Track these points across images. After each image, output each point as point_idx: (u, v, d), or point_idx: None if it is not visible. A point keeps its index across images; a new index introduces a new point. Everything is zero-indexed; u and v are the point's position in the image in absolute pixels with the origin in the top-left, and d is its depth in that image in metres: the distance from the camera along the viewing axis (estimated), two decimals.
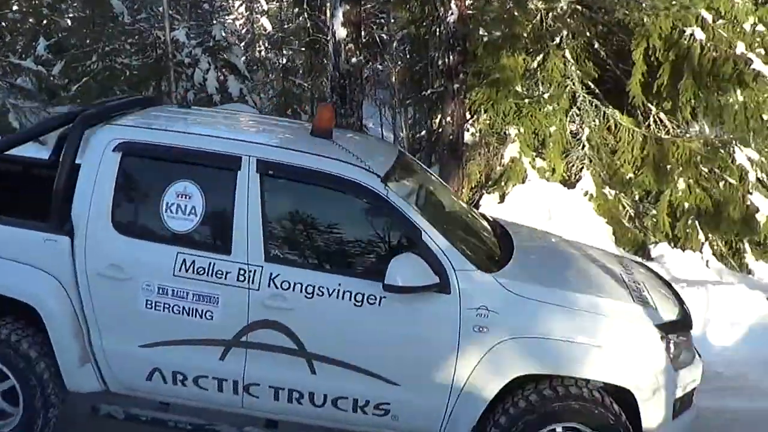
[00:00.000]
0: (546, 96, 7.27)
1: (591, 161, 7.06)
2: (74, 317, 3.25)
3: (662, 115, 7.07)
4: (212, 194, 3.23)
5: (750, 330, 6.31)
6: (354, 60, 6.23)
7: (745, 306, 6.36)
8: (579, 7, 7.43)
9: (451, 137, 7.17)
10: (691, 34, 6.58)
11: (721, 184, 6.91)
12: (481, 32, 7.51)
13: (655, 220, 6.85)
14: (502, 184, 7.16)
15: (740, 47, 6.41)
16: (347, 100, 6.20)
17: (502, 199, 7.05)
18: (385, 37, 11.99)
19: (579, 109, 7.28)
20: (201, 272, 3.18)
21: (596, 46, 7.44)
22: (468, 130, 7.61)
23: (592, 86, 7.30)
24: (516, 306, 3.14)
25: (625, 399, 3.19)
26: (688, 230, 6.78)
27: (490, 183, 7.32)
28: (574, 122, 7.30)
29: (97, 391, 3.38)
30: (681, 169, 6.77)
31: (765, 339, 6.30)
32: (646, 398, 3.18)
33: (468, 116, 7.64)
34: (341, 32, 6.16)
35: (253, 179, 3.20)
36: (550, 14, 7.49)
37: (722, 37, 6.58)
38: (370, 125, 11.45)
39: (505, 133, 7.35)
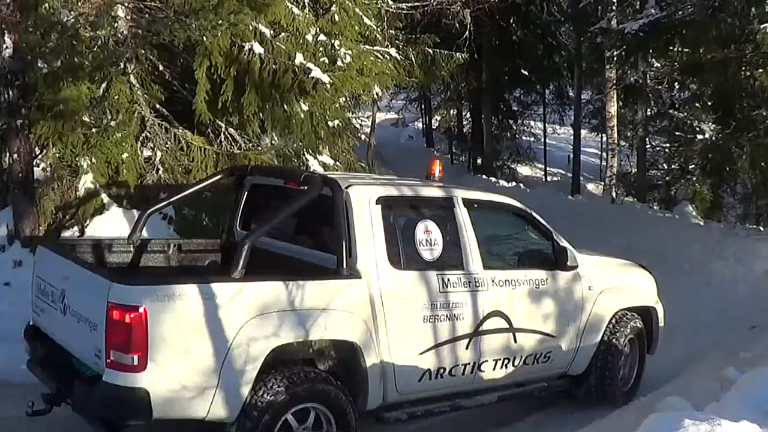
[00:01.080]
0: (114, 123, 6.94)
1: (167, 184, 6.77)
2: (375, 346, 3.91)
3: (232, 131, 7.15)
4: (443, 227, 4.38)
5: None
6: None
7: None
8: (140, 31, 7.23)
9: (20, 175, 6.59)
10: (250, 49, 6.80)
11: None
12: (39, 64, 6.90)
13: None
14: (81, 216, 6.77)
15: (299, 58, 6.81)
16: None
17: (82, 231, 6.66)
18: None
19: (150, 133, 7.01)
20: (454, 285, 4.32)
21: (161, 68, 7.27)
22: (38, 166, 7.04)
23: (161, 109, 7.09)
24: (597, 274, 5.23)
25: None
26: None
27: (68, 217, 6.87)
28: (146, 146, 6.99)
29: (379, 406, 4.07)
30: None
31: None
32: None
33: (36, 151, 7.05)
34: None
35: (464, 212, 4.48)
36: (111, 40, 7.15)
37: (281, 49, 6.95)
38: None
39: (77, 165, 6.94)
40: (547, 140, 23.18)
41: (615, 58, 15.00)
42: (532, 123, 24.04)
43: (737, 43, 10.54)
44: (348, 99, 10.19)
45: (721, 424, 2.64)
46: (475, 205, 4.57)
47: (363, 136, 12.21)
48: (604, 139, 19.71)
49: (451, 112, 25.10)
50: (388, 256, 3.98)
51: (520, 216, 4.95)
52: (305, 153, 7.38)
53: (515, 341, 4.55)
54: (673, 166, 17.07)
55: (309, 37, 8.21)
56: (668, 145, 16.98)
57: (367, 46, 9.63)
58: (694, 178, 14.89)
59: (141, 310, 3.23)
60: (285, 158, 7.19)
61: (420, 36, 12.93)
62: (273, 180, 4.67)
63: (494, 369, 4.47)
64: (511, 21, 19.61)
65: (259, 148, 7.23)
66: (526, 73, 21.63)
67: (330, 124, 7.46)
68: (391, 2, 12.11)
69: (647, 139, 17.04)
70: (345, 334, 3.80)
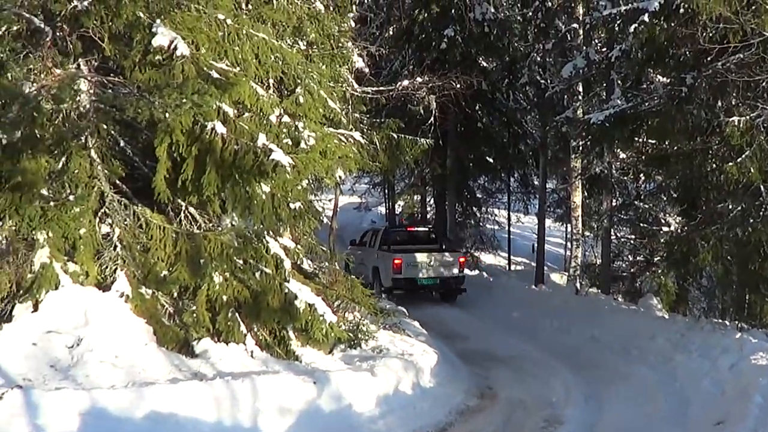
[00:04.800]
0: (72, 198, 7.01)
1: (125, 261, 6.86)
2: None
3: (192, 210, 7.27)
4: None
5: (300, 414, 6.56)
6: None
7: (293, 392, 6.65)
8: (102, 106, 7.44)
9: None
10: (213, 128, 7.01)
11: (258, 274, 7.29)
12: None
13: (195, 315, 6.82)
14: (35, 291, 6.73)
15: (262, 139, 7.04)
16: None
17: (35, 307, 6.64)
18: None
19: (109, 209, 7.10)
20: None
21: (122, 144, 7.44)
22: None
23: (121, 185, 7.22)
24: None
25: None
26: (229, 323, 6.92)
27: (21, 292, 6.84)
28: (104, 223, 7.06)
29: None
30: (215, 262, 6.94)
31: (314, 423, 6.60)
32: None
33: None
34: None
35: None
36: (72, 113, 7.33)
37: (244, 129, 7.19)
38: None
39: (33, 238, 6.94)
40: (511, 228, 23.68)
41: (580, 148, 15.68)
42: (497, 211, 24.63)
43: (703, 135, 10.75)
44: (311, 181, 10.46)
45: None
46: None
47: (325, 219, 12.42)
48: (569, 228, 20.28)
49: (415, 197, 25.66)
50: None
51: None
52: (266, 235, 7.50)
53: None
54: (638, 258, 17.60)
55: (273, 118, 8.50)
56: (633, 236, 17.57)
57: (331, 129, 10.00)
58: (659, 271, 15.32)
59: None
60: (245, 240, 7.29)
61: (385, 120, 13.48)
62: None
63: None
64: (477, 108, 20.48)
65: (219, 229, 7.33)
66: (491, 160, 22.35)
67: (292, 206, 7.62)
68: (356, 86, 12.67)
69: (612, 230, 17.59)
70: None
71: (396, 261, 15.88)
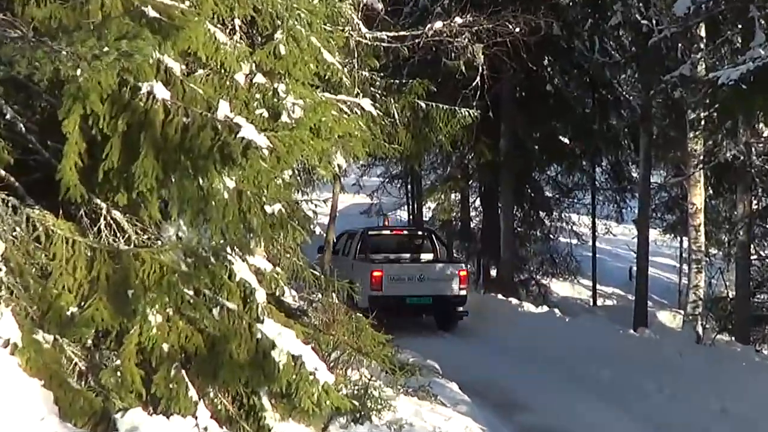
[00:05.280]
0: None
1: (12, 293, 6.77)
2: None
3: (118, 215, 7.21)
4: None
5: None
6: None
7: None
8: None
9: None
10: (149, 93, 6.91)
11: (216, 311, 7.24)
12: None
13: (119, 374, 6.76)
14: None
15: (224, 108, 6.92)
16: None
17: None
18: None
19: None
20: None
21: (9, 115, 7.35)
22: None
23: (8, 176, 7.14)
24: None
25: None
26: (171, 385, 6.86)
27: None
28: None
29: None
30: (151, 294, 6.88)
31: None
32: None
33: None
34: None
35: None
36: None
37: (197, 94, 7.11)
38: None
39: None
40: (597, 244, 23.59)
41: (702, 122, 15.49)
42: (575, 217, 24.56)
43: None
44: (297, 173, 10.38)
45: None
46: None
47: (318, 230, 12.34)
48: (685, 244, 20.12)
49: (452, 196, 25.63)
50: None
51: None
52: (230, 253, 7.42)
53: None
54: None
55: (240, 78, 8.43)
56: None
57: (327, 95, 9.94)
58: None
59: None
60: (198, 260, 7.21)
61: (407, 82, 13.39)
62: None
63: None
64: (546, 62, 20.41)
65: (159, 244, 7.25)
66: (566, 140, 22.28)
67: (268, 209, 7.50)
68: (365, 30, 12.61)
69: (752, 246, 17.40)
70: None
71: (375, 273, 16.95)
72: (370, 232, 19.87)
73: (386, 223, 21.80)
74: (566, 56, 21.13)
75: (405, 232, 21.48)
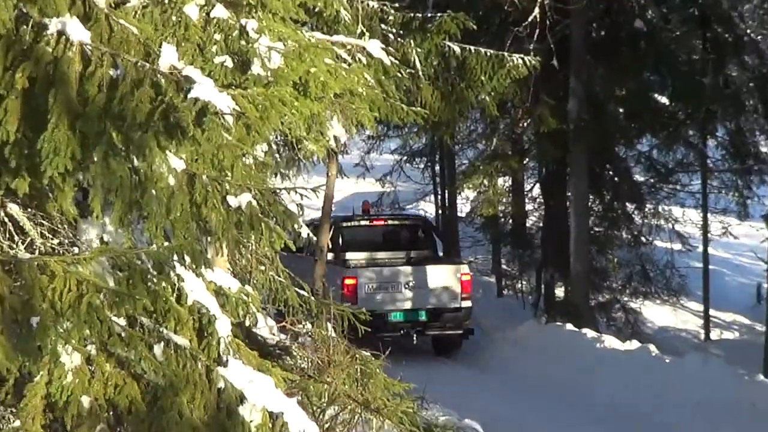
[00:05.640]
0: None
1: None
2: None
3: (16, 210, 7.45)
4: None
5: None
6: None
7: None
8: None
9: None
10: (61, 32, 6.86)
11: (159, 349, 7.33)
12: None
13: None
14: None
15: (169, 54, 6.81)
16: None
17: None
18: None
19: None
20: None
21: None
22: None
23: None
24: None
25: None
26: None
27: None
28: None
29: None
30: (66, 323, 6.94)
31: None
32: None
33: None
34: None
35: None
36: None
37: (129, 33, 7.10)
38: None
39: None
40: (710, 250, 23.51)
41: None
42: (678, 212, 24.47)
43: None
44: (275, 148, 10.37)
45: None
46: None
47: (306, 231, 12.29)
48: None
49: (500, 182, 25.58)
50: None
51: None
52: (177, 262, 7.43)
53: None
54: None
55: (192, 11, 8.40)
56: None
57: (318, 35, 9.93)
58: None
59: None
60: (133, 274, 7.22)
61: (435, 16, 13.35)
62: None
63: None
64: None
65: (75, 250, 7.28)
66: (664, 100, 22.19)
67: (232, 201, 7.53)
68: None
69: None
70: None
71: (348, 281, 17.76)
72: (343, 224, 20.60)
73: (366, 210, 21.94)
74: None
75: (391, 222, 22.00)
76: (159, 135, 6.88)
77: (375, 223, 21.45)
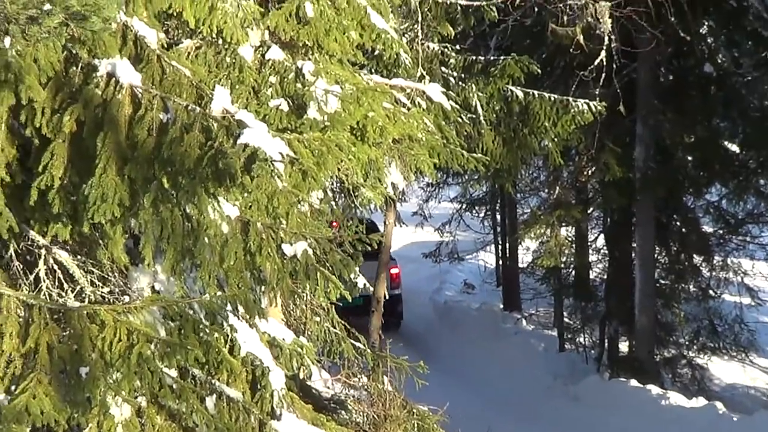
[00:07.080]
0: None
1: None
2: None
3: (63, 255, 7.34)
4: None
5: None
6: None
7: None
8: None
9: None
10: (111, 74, 6.95)
11: (212, 401, 7.41)
12: None
13: None
14: None
15: (221, 97, 6.87)
16: None
17: None
18: None
19: None
20: None
21: None
22: None
23: None
24: None
25: None
26: None
27: None
28: None
29: None
30: (116, 374, 7.00)
31: None
32: None
33: None
34: None
35: None
36: None
37: (181, 76, 7.19)
38: None
39: None
40: None
41: None
42: (747, 264, 24.27)
43: None
44: (332, 195, 10.33)
45: None
46: None
47: (363, 280, 12.30)
48: None
49: (563, 232, 25.44)
50: None
51: None
52: (231, 313, 7.38)
53: None
54: None
55: (246, 52, 8.42)
56: None
57: (377, 78, 9.89)
58: None
59: None
60: (185, 324, 7.17)
61: (498, 59, 13.29)
62: None
63: None
64: (705, 29, 20.22)
65: (125, 299, 7.23)
66: (735, 148, 22.05)
67: (287, 249, 7.51)
68: None
69: None
70: None
71: None
72: None
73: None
74: (736, 18, 20.94)
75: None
76: (208, 181, 6.84)
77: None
